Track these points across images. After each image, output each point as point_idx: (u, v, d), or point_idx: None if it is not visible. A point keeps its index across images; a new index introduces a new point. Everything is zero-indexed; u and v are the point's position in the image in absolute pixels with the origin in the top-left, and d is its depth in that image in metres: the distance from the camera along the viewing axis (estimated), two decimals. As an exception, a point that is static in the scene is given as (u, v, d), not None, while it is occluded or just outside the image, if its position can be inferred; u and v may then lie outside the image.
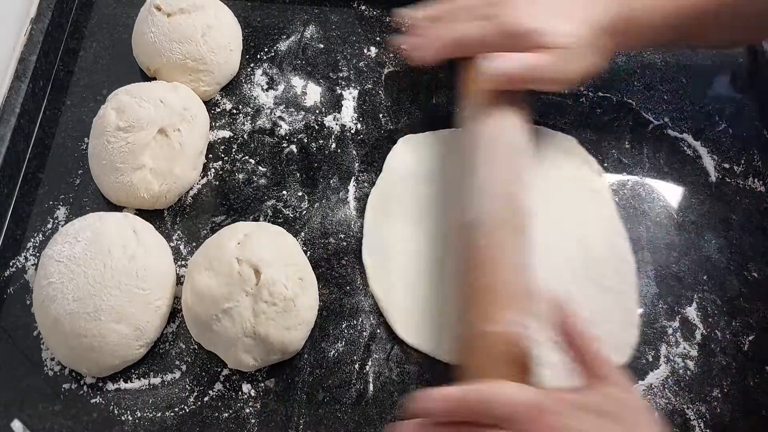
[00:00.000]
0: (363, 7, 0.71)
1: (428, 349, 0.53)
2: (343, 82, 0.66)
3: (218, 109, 0.64)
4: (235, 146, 0.62)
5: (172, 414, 0.50)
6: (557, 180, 0.60)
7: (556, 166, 0.61)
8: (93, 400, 0.51)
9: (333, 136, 0.63)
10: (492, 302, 0.46)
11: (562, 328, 0.41)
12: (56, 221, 0.58)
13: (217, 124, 0.63)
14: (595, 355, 0.40)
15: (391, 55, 0.68)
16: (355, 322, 0.54)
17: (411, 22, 0.59)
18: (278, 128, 0.63)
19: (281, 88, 0.66)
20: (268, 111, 0.64)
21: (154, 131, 0.56)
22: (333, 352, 0.53)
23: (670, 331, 0.54)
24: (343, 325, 0.54)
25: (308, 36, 0.69)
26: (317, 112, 0.64)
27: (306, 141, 0.63)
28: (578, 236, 0.57)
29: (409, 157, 0.61)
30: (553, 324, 0.42)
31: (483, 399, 0.39)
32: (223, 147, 0.62)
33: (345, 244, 0.58)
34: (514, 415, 0.38)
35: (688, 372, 0.53)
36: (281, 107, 0.64)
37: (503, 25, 0.52)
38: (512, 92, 0.54)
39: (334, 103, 0.65)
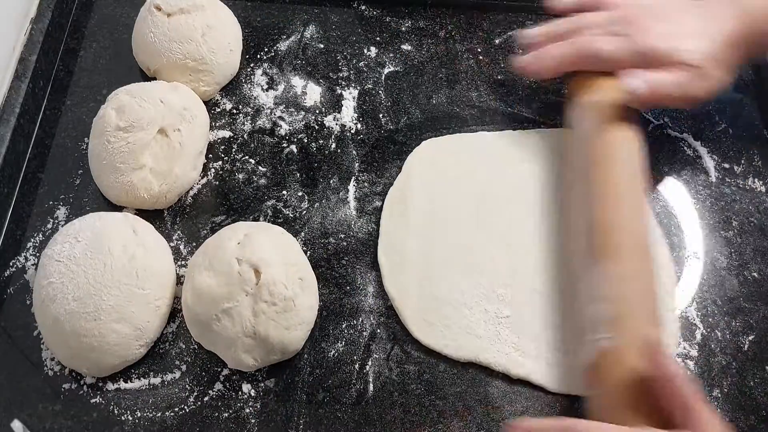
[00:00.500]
0: (363, 7, 0.71)
1: (438, 348, 0.53)
2: (343, 82, 0.66)
3: (218, 109, 0.64)
4: (235, 146, 0.62)
5: (172, 414, 0.50)
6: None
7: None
8: (93, 400, 0.51)
9: (333, 136, 0.63)
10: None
11: (661, 372, 0.41)
12: (56, 221, 0.58)
13: (217, 124, 0.63)
14: (701, 410, 0.39)
15: (391, 55, 0.68)
16: (355, 322, 0.54)
17: (530, 41, 0.60)
18: (278, 128, 0.63)
19: (281, 88, 0.66)
20: (268, 111, 0.64)
21: (154, 131, 0.56)
22: (333, 352, 0.53)
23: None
24: (343, 325, 0.54)
25: (308, 36, 0.69)
26: (317, 112, 0.64)
27: (306, 141, 0.63)
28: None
29: (430, 159, 0.61)
30: (651, 364, 0.42)
31: None
32: (223, 147, 0.62)
33: (345, 244, 0.58)
34: None
35: (688, 372, 0.53)
36: (281, 107, 0.64)
37: (638, 44, 0.54)
38: (632, 109, 0.55)
39: (334, 103, 0.65)
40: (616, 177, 0.52)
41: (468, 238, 0.57)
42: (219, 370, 0.52)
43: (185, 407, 0.51)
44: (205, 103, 0.63)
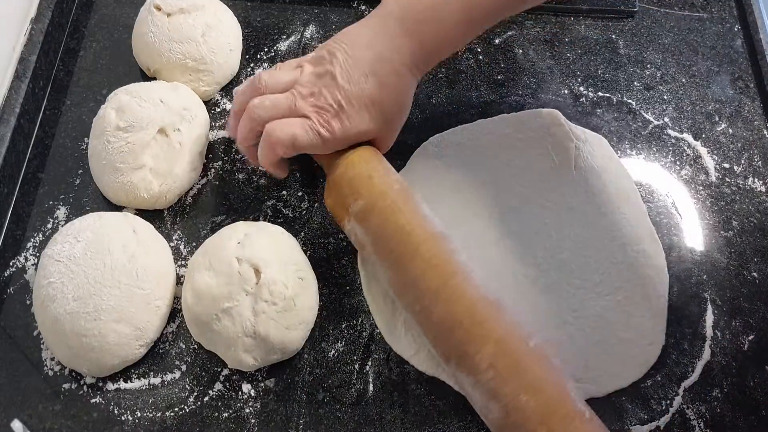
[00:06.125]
0: (363, 7, 0.71)
1: (407, 356, 0.52)
2: (343, 82, 0.66)
3: (218, 109, 0.64)
4: (235, 146, 0.62)
5: (172, 414, 0.50)
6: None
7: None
8: (93, 400, 0.51)
9: (333, 136, 0.63)
10: None
11: None
12: (56, 221, 0.58)
13: (217, 124, 0.63)
14: None
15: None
16: (355, 322, 0.54)
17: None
18: (278, 128, 0.63)
19: (281, 88, 0.66)
20: (268, 111, 0.64)
21: (154, 131, 0.56)
22: (333, 352, 0.53)
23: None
24: (343, 325, 0.54)
25: (308, 36, 0.69)
26: (317, 112, 0.64)
27: (306, 141, 0.63)
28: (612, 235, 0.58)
29: (431, 162, 0.61)
30: None
31: None
32: (223, 147, 0.62)
33: (345, 244, 0.57)
34: None
35: (689, 374, 0.53)
36: (281, 107, 0.64)
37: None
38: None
39: (334, 103, 0.65)
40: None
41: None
42: (219, 370, 0.52)
43: (185, 407, 0.51)
44: (205, 103, 0.63)
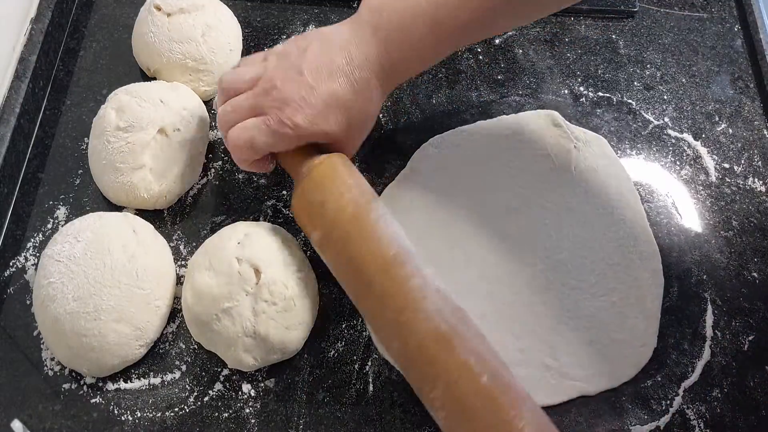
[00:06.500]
0: (363, 7, 0.71)
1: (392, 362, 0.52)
2: (343, 82, 0.66)
3: (218, 109, 0.64)
4: (235, 146, 0.62)
5: (172, 414, 0.50)
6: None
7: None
8: (93, 400, 0.51)
9: (333, 136, 0.63)
10: None
11: None
12: (56, 221, 0.58)
13: (217, 124, 0.63)
14: None
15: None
16: (355, 322, 0.54)
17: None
18: (278, 128, 0.63)
19: (281, 88, 0.66)
20: (268, 111, 0.64)
21: (154, 131, 0.56)
22: (333, 352, 0.53)
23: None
24: (343, 325, 0.54)
25: (308, 36, 0.69)
26: (317, 112, 0.64)
27: (306, 141, 0.63)
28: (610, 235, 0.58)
29: (431, 163, 0.61)
30: None
31: None
32: (223, 147, 0.62)
33: (345, 244, 0.57)
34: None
35: (690, 373, 0.53)
36: (281, 107, 0.64)
37: None
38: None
39: (334, 103, 0.65)
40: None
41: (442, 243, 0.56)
42: (219, 370, 0.52)
43: (185, 407, 0.51)
44: (205, 103, 0.63)
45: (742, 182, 0.62)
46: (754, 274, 0.57)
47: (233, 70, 0.53)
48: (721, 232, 0.59)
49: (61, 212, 0.58)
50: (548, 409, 0.51)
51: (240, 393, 0.51)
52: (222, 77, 0.52)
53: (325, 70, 0.49)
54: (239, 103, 0.50)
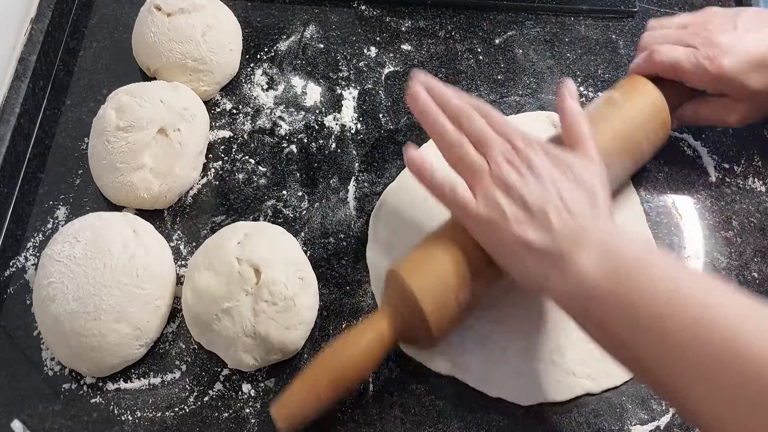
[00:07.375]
0: (363, 7, 0.71)
1: (422, 359, 0.52)
2: (343, 82, 0.66)
3: (218, 109, 0.64)
4: (235, 146, 0.62)
5: (172, 414, 0.50)
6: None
7: None
8: (93, 400, 0.51)
9: (333, 136, 0.63)
10: None
11: (559, 105, 0.49)
12: (56, 221, 0.58)
13: (217, 124, 0.63)
14: (572, 125, 0.48)
15: (391, 54, 0.68)
16: (355, 322, 0.54)
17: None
18: (278, 128, 0.63)
19: (281, 88, 0.66)
20: (268, 111, 0.64)
21: (154, 131, 0.56)
22: (333, 352, 0.53)
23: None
24: (343, 325, 0.54)
25: (308, 36, 0.69)
26: (317, 112, 0.64)
27: (306, 141, 0.63)
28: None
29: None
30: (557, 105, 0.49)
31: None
32: (223, 147, 0.62)
33: (345, 244, 0.57)
34: (491, 140, 0.46)
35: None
36: (281, 107, 0.64)
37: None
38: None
39: (334, 103, 0.65)
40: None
41: None
42: (219, 370, 0.52)
43: (185, 407, 0.51)
44: (205, 103, 0.63)
45: (742, 182, 0.62)
46: (754, 274, 0.57)
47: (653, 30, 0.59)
48: (721, 232, 0.59)
49: (61, 212, 0.58)
50: (551, 408, 0.51)
51: (240, 393, 0.51)
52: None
53: (755, 24, 0.53)
54: (668, 32, 0.56)
